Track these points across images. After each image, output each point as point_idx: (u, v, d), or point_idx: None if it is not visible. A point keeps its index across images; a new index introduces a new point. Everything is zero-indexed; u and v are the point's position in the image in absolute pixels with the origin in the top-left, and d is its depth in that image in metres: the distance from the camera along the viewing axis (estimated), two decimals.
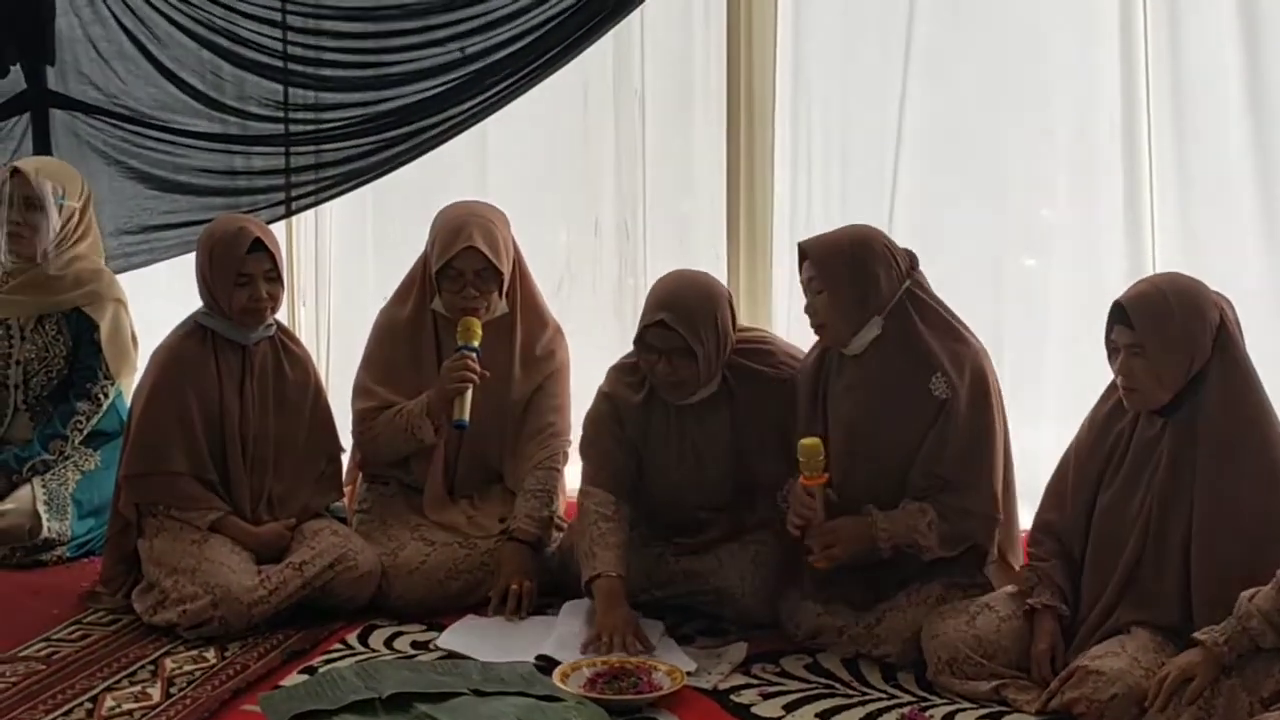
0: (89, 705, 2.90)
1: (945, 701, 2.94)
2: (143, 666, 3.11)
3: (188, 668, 3.10)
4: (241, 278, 3.42)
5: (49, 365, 4.08)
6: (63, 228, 4.08)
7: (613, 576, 3.23)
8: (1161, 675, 2.72)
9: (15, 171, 4.06)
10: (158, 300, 4.52)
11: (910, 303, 3.18)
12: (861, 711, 2.89)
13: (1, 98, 4.76)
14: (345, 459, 3.74)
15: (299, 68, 4.60)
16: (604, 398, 3.45)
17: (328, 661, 3.15)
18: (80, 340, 4.09)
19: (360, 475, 3.76)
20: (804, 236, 3.34)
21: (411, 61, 4.50)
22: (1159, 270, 3.79)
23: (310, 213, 4.78)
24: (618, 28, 4.37)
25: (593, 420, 3.47)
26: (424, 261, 3.67)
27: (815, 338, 3.27)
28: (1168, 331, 2.84)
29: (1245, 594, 2.70)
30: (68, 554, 3.89)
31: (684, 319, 3.23)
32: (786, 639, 3.26)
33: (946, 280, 3.35)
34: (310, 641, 3.25)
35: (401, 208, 4.75)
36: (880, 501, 3.15)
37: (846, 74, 4.39)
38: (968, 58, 4.25)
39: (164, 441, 3.42)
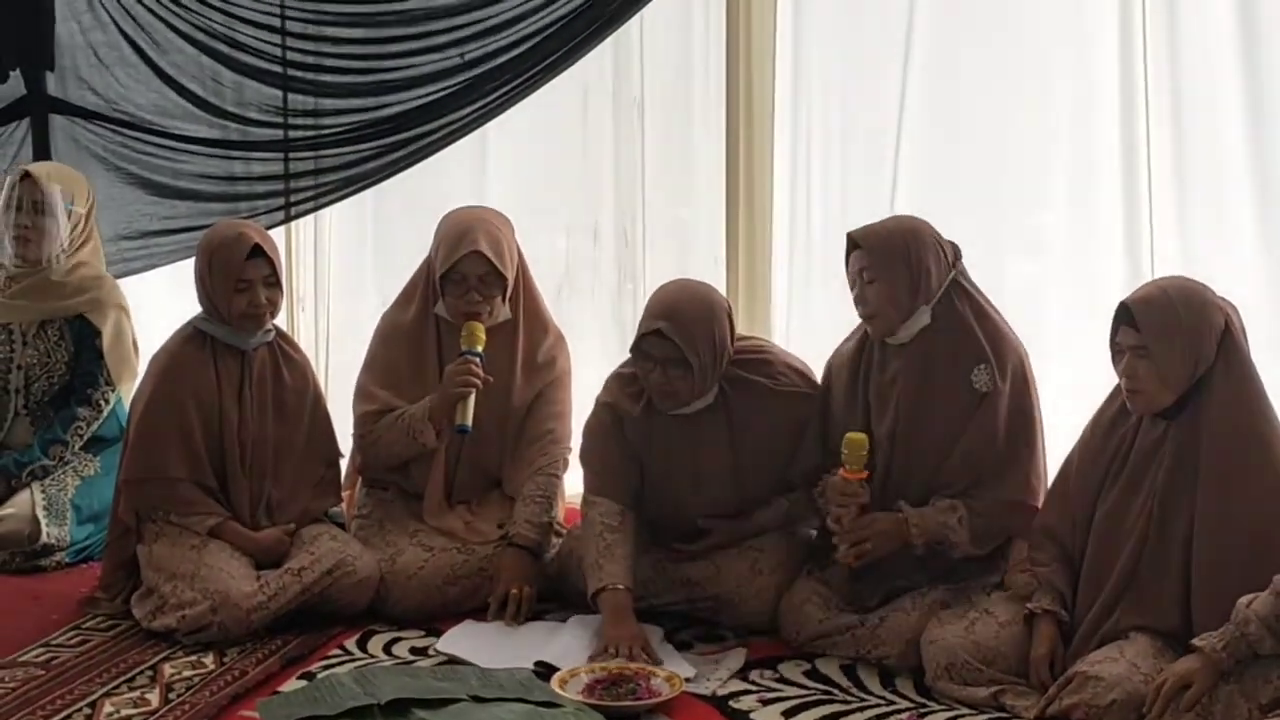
0: (88, 711, 2.90)
1: (944, 707, 2.93)
2: (141, 672, 3.11)
3: (186, 673, 3.10)
4: (241, 283, 3.42)
5: (50, 371, 4.08)
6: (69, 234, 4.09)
7: (620, 589, 3.21)
8: (1159, 682, 2.71)
9: (25, 175, 4.07)
10: (156, 304, 4.52)
11: (955, 293, 3.21)
12: (860, 717, 2.90)
13: (1, 103, 4.76)
14: (344, 464, 3.74)
15: (298, 73, 4.59)
16: (605, 407, 3.44)
17: (326, 667, 3.14)
18: (82, 346, 4.09)
19: (359, 480, 3.76)
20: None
21: (411, 67, 4.49)
22: (1157, 272, 3.80)
23: (309, 218, 4.76)
24: (617, 34, 4.37)
25: (594, 429, 3.45)
26: (428, 266, 3.67)
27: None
28: (1173, 334, 2.84)
29: (1243, 600, 2.70)
30: (67, 559, 3.88)
31: (681, 329, 3.22)
32: (785, 645, 3.25)
33: None
34: (309, 647, 3.25)
35: (401, 213, 4.75)
36: (912, 495, 3.16)
37: (846, 80, 4.39)
38: (967, 62, 4.25)
39: (163, 447, 3.42)
